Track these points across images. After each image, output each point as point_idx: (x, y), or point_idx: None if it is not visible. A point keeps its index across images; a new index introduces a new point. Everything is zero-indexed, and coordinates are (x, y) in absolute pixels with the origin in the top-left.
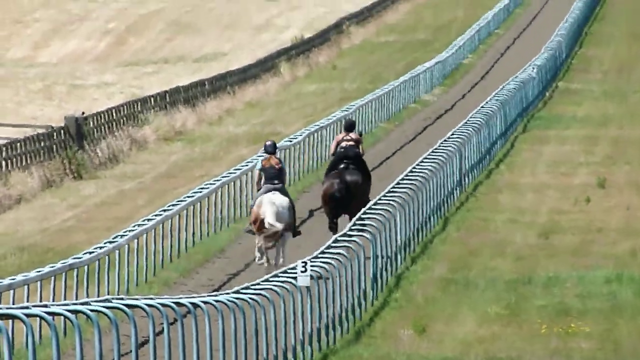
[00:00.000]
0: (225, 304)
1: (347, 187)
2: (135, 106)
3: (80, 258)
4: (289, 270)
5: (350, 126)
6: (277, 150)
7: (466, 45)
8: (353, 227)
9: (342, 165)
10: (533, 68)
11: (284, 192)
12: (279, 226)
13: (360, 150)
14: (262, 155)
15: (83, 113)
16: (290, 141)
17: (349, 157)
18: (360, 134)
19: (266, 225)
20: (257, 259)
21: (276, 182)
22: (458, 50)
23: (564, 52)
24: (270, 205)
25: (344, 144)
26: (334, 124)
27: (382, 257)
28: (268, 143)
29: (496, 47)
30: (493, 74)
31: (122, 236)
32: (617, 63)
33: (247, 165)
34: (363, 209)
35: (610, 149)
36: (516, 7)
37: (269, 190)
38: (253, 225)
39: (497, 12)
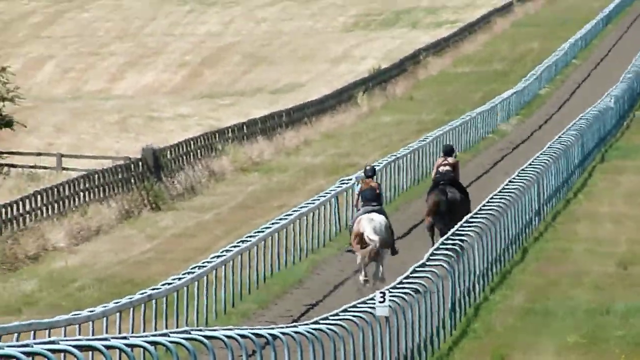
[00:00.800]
0: (304, 334)
1: (448, 201)
2: (213, 138)
3: (158, 289)
4: (368, 301)
5: (449, 151)
6: (375, 174)
7: (543, 76)
8: (431, 257)
9: (441, 184)
10: (610, 98)
11: (382, 212)
12: (377, 239)
13: (457, 174)
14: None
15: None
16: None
17: (446, 181)
18: (456, 156)
19: (365, 239)
20: (361, 279)
21: (374, 204)
22: (534, 81)
23: None
24: (369, 222)
25: (441, 168)
26: (410, 155)
27: (461, 287)
28: (368, 167)
29: (572, 77)
30: (570, 105)
31: (200, 267)
32: None
33: (325, 197)
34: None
35: None
36: (593, 38)
37: (368, 212)
38: (353, 242)
39: (573, 43)
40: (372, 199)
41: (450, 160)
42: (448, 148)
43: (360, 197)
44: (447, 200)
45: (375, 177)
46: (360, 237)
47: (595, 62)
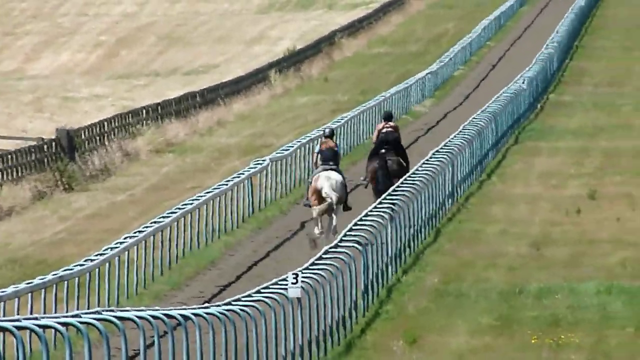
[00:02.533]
0: (216, 316)
1: (387, 170)
2: (127, 118)
3: (71, 270)
4: (280, 282)
5: (389, 116)
6: (334, 135)
7: (458, 57)
8: (344, 238)
9: (382, 150)
10: (524, 80)
11: (338, 171)
12: (334, 196)
13: (399, 136)
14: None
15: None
16: (282, 152)
17: (389, 142)
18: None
19: (323, 194)
20: (316, 232)
21: (331, 163)
22: (449, 62)
23: (555, 64)
24: (326, 179)
25: (384, 130)
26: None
27: (374, 269)
28: (327, 129)
29: (487, 59)
30: (484, 86)
31: (113, 248)
32: (608, 75)
33: (239, 178)
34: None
35: (602, 160)
36: (508, 19)
37: (325, 170)
38: (311, 197)
39: (487, 24)
40: (330, 157)
41: (391, 124)
42: (388, 113)
43: (319, 156)
44: (386, 167)
45: (333, 137)
46: (318, 193)
47: (509, 44)
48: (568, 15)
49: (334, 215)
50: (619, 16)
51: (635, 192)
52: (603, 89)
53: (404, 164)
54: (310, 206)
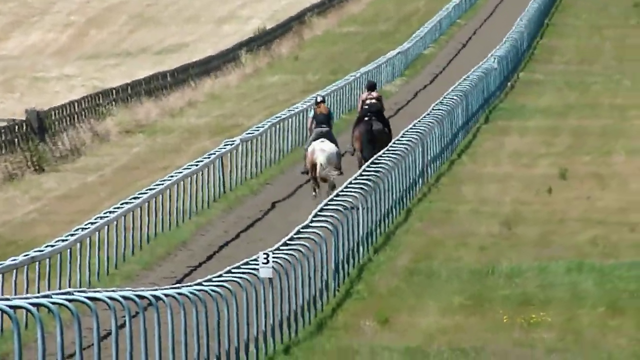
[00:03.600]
0: (187, 296)
1: (373, 134)
2: (97, 99)
3: (42, 251)
4: (251, 262)
5: (372, 86)
6: (325, 100)
7: (428, 36)
8: (315, 219)
9: (367, 117)
10: (494, 59)
11: (331, 136)
12: (330, 169)
13: (382, 106)
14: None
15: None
16: (253, 132)
17: (373, 112)
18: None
19: (318, 167)
20: (313, 194)
21: (324, 125)
22: (419, 41)
23: (525, 43)
24: (321, 152)
25: (368, 101)
26: (296, 116)
27: (345, 248)
28: (318, 97)
29: (458, 37)
30: (454, 65)
31: (84, 229)
32: (578, 54)
33: (209, 158)
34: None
35: (572, 139)
36: None
37: (319, 134)
38: (309, 166)
39: (458, 2)
40: (324, 121)
41: (374, 94)
42: (371, 83)
43: (313, 120)
44: (371, 131)
45: (325, 102)
46: (314, 165)
47: (480, 22)
48: None
49: (332, 180)
50: None
51: (604, 172)
52: (573, 67)
53: (387, 130)
54: (307, 173)
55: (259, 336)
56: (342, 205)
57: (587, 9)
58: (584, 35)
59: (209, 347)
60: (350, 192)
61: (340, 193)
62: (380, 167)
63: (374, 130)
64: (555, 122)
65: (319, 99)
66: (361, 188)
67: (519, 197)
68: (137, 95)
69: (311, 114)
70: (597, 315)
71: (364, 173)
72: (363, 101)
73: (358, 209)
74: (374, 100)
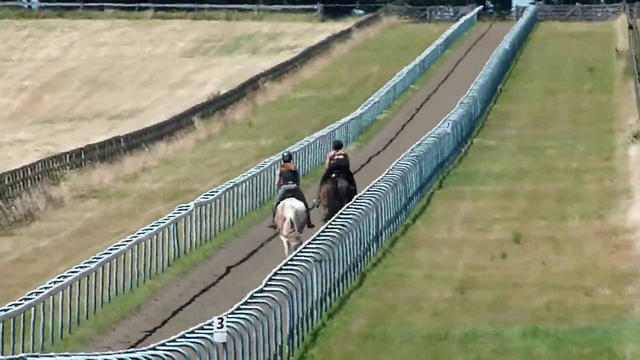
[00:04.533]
0: None
1: (338, 192)
2: (51, 163)
3: None
4: (205, 327)
5: (339, 145)
6: (292, 158)
7: (381, 101)
8: (269, 283)
9: (333, 175)
10: (448, 124)
11: (299, 193)
12: (298, 225)
13: (348, 163)
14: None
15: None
16: (207, 198)
17: (340, 167)
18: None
19: (286, 225)
20: (286, 253)
21: (291, 182)
22: (373, 106)
23: (478, 108)
24: (291, 209)
25: (335, 157)
26: (249, 181)
27: (299, 313)
28: (285, 153)
29: (411, 102)
30: (408, 130)
31: (37, 293)
32: (532, 118)
33: (163, 223)
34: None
35: (526, 204)
36: (432, 63)
37: (287, 190)
38: (278, 223)
39: (412, 67)
40: (290, 178)
41: (341, 151)
42: (338, 142)
43: (280, 177)
44: (337, 189)
45: (291, 160)
46: (284, 220)
47: (433, 87)
48: (492, 58)
49: (300, 239)
50: (542, 60)
51: (559, 236)
52: (527, 131)
53: (352, 187)
54: (275, 227)
55: None
56: (296, 269)
57: (540, 74)
58: (538, 100)
59: None
60: (305, 257)
61: (295, 258)
62: (335, 232)
63: (339, 187)
64: (509, 186)
65: (286, 157)
66: (316, 253)
67: (473, 262)
68: (91, 160)
69: (277, 171)
70: None
71: (317, 238)
72: (330, 158)
73: (312, 274)
74: (341, 157)
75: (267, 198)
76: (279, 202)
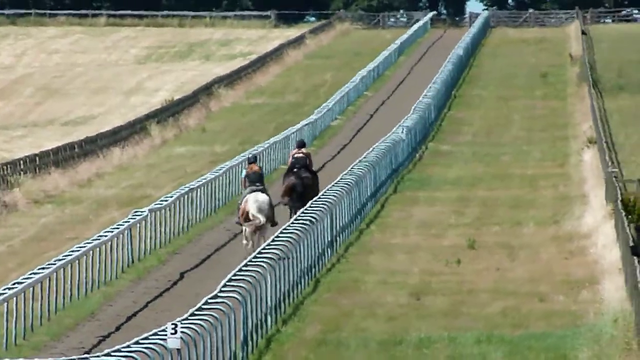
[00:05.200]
0: None
1: (302, 182)
2: (5, 169)
3: None
4: (159, 333)
5: (301, 144)
6: (257, 160)
7: (335, 107)
8: (223, 289)
9: (295, 169)
10: (402, 129)
11: (264, 192)
12: (261, 217)
13: (310, 161)
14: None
15: None
16: (161, 203)
17: (301, 164)
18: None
19: (250, 216)
20: (244, 245)
21: (258, 184)
22: (327, 112)
23: (433, 114)
24: (254, 202)
25: (297, 155)
26: (204, 186)
27: (253, 319)
28: (250, 156)
29: (365, 109)
30: (362, 136)
31: None
32: (486, 125)
33: (118, 228)
34: (311, 201)
35: (480, 210)
36: (385, 69)
37: (253, 191)
38: (240, 217)
39: (366, 74)
40: (256, 179)
41: (303, 150)
42: (301, 141)
43: (246, 179)
44: (301, 183)
45: (257, 161)
46: (247, 214)
47: (387, 93)
48: (446, 65)
49: (263, 233)
50: (495, 66)
51: (513, 242)
52: (481, 138)
53: (314, 179)
54: (241, 224)
55: None
56: (250, 275)
57: (494, 81)
58: (492, 107)
59: None
60: (259, 262)
61: (249, 263)
62: (289, 237)
63: (303, 176)
64: (464, 192)
65: (251, 159)
66: (269, 258)
67: (427, 268)
68: (46, 165)
69: (243, 173)
70: None
71: (272, 243)
72: (292, 156)
73: (266, 279)
74: (301, 155)
75: (222, 204)
76: (243, 198)
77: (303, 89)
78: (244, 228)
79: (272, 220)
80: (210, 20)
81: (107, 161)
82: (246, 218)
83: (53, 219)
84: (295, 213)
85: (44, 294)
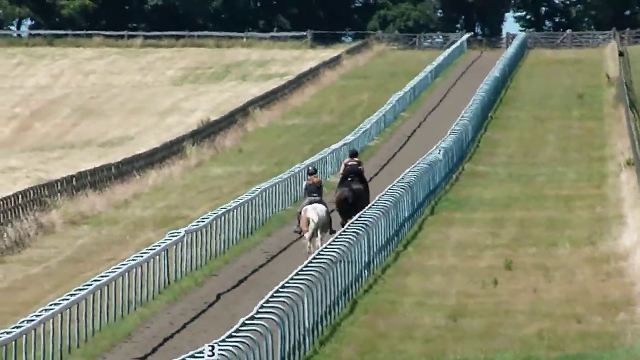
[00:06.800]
0: None
1: (354, 193)
2: (42, 191)
3: None
4: (196, 355)
5: (355, 153)
6: (317, 172)
7: (372, 129)
8: (260, 310)
9: (349, 179)
10: (439, 151)
11: (323, 202)
12: (320, 223)
13: (363, 170)
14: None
15: None
16: (198, 224)
17: (354, 173)
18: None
19: (310, 223)
20: (306, 249)
21: (316, 195)
22: (364, 134)
23: (470, 136)
24: (313, 210)
25: (350, 164)
26: (241, 207)
27: (291, 341)
28: (310, 167)
29: (402, 130)
30: (399, 157)
31: (29, 321)
32: (522, 146)
33: (154, 250)
34: (362, 211)
35: (517, 231)
36: (422, 91)
37: (311, 202)
38: (303, 226)
39: (402, 95)
40: (315, 191)
41: (356, 159)
42: (354, 151)
43: (306, 190)
44: (352, 194)
45: (317, 173)
46: (307, 221)
47: (424, 115)
48: (482, 86)
49: (320, 237)
50: (532, 88)
51: (549, 263)
52: (517, 159)
53: (366, 189)
54: (300, 233)
55: None
56: (288, 297)
57: (531, 102)
58: (528, 128)
59: None
60: (297, 284)
61: (286, 285)
62: (326, 259)
63: (354, 189)
64: (500, 214)
65: (311, 170)
66: (307, 281)
67: (464, 289)
68: (82, 187)
69: (304, 184)
70: None
71: (309, 265)
72: (345, 165)
73: (303, 301)
74: (354, 163)
75: (259, 225)
76: (303, 208)
77: (339, 110)
78: (304, 235)
79: (329, 228)
80: (246, 41)
81: (143, 182)
82: (307, 224)
83: (90, 240)
84: (346, 222)
85: (80, 315)
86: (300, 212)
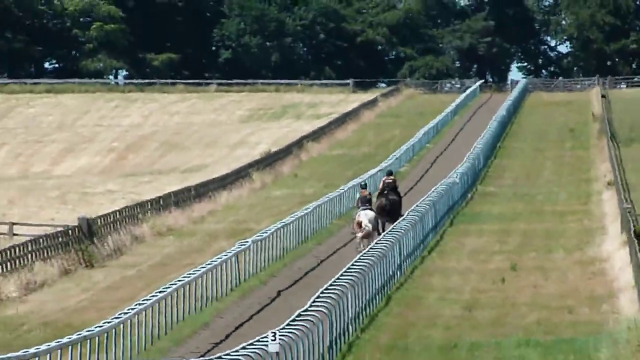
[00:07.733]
0: None
1: (390, 202)
2: (135, 209)
3: (92, 331)
4: (261, 339)
5: (390, 172)
6: (367, 186)
7: (403, 157)
8: (313, 304)
9: (386, 192)
10: (456, 175)
11: (371, 210)
12: (370, 226)
13: (397, 185)
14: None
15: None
16: (261, 235)
17: (390, 188)
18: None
19: (362, 225)
20: (357, 248)
21: (367, 205)
22: (395, 161)
23: (482, 162)
24: (365, 215)
25: (387, 181)
26: (296, 221)
27: (337, 328)
28: (362, 183)
29: (427, 158)
30: (424, 180)
31: (125, 313)
32: (524, 171)
33: (226, 256)
34: (387, 230)
35: (520, 239)
36: (443, 126)
37: (363, 210)
38: (356, 228)
39: (427, 130)
40: (365, 201)
41: (392, 177)
42: (389, 171)
43: (359, 201)
44: (389, 203)
45: (367, 187)
46: (359, 224)
47: (445, 146)
48: (492, 122)
49: (370, 239)
50: (532, 124)
51: (547, 265)
52: (520, 181)
53: (399, 200)
54: (354, 234)
55: None
56: (335, 293)
57: (531, 135)
58: (529, 156)
59: None
60: (342, 282)
61: (333, 283)
62: (365, 263)
63: (390, 199)
64: (506, 225)
65: (363, 185)
66: (350, 279)
67: (477, 286)
68: (167, 205)
69: (357, 195)
70: None
71: (352, 267)
72: (383, 181)
73: (347, 296)
74: (390, 180)
75: (310, 236)
76: (356, 214)
77: (375, 142)
78: (357, 235)
79: (377, 230)
80: (300, 87)
81: (216, 201)
82: (359, 227)
83: (173, 249)
84: (385, 225)
85: (167, 308)
86: (354, 218)
